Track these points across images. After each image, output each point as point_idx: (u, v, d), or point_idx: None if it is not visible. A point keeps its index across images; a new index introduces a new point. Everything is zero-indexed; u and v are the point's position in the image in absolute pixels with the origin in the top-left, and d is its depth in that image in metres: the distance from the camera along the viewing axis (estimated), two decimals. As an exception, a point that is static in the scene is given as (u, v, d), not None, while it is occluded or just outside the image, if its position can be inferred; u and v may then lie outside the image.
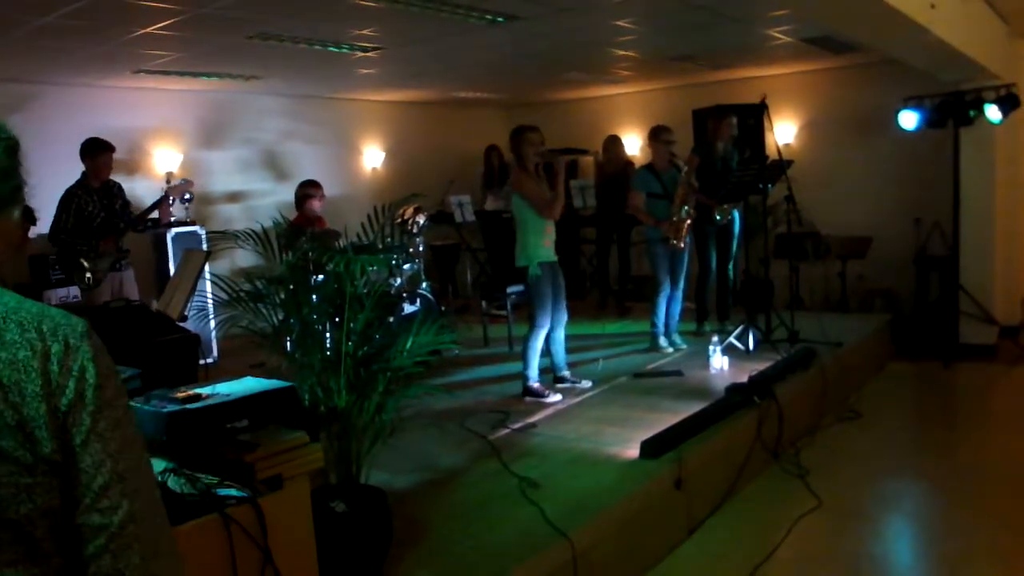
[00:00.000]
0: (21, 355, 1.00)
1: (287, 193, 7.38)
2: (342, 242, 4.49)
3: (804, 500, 4.49)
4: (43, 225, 5.95)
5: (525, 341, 5.62)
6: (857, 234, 9.02)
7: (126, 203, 6.34)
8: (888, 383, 7.18)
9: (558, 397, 5.57)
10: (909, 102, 7.61)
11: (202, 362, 4.65)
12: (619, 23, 6.52)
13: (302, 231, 5.03)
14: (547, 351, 5.77)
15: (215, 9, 5.24)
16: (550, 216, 5.51)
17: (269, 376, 3.17)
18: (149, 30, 5.72)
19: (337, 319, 3.36)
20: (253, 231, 3.62)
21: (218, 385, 2.84)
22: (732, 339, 6.62)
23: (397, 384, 3.44)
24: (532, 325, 5.58)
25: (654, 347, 6.88)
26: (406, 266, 6.90)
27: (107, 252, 6.08)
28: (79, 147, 6.06)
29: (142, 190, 7.83)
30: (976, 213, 7.80)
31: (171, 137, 8.46)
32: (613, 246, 9.08)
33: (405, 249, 6.91)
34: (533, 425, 5.04)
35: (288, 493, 2.56)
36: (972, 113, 7.35)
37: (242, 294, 3.50)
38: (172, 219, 7.29)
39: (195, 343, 4.47)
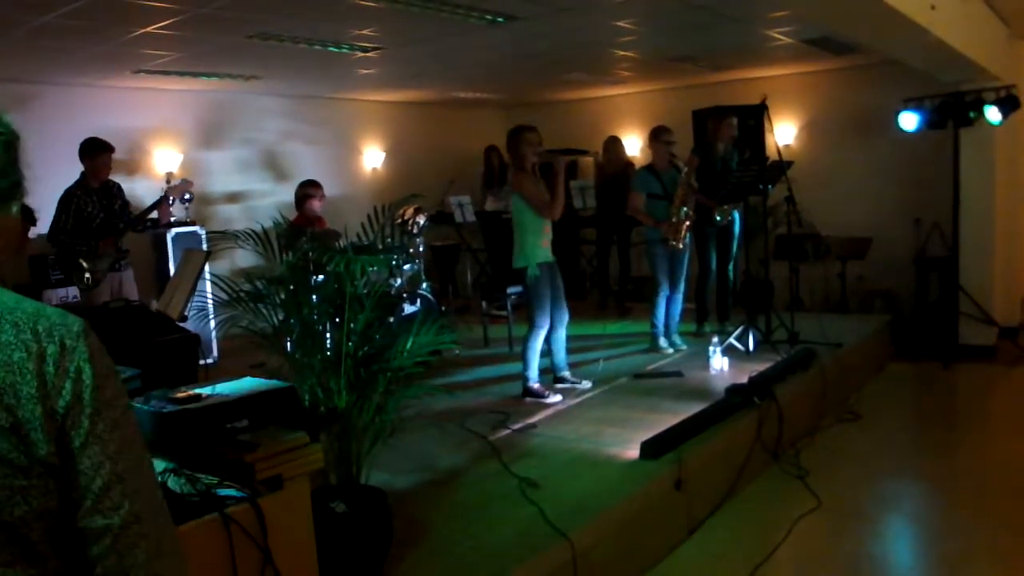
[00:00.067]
0: (16, 356, 0.99)
1: (287, 193, 7.38)
2: (342, 242, 4.49)
3: (804, 501, 4.49)
4: (42, 225, 5.94)
5: (524, 342, 5.62)
6: (857, 235, 9.03)
7: (125, 203, 6.33)
8: (888, 384, 7.18)
9: (558, 398, 5.57)
10: (909, 103, 7.61)
11: (202, 362, 4.64)
12: (619, 23, 6.52)
13: (302, 231, 5.03)
14: (548, 351, 5.77)
15: (215, 9, 5.24)
16: (550, 216, 5.51)
17: (269, 376, 3.17)
18: (149, 30, 5.72)
19: (337, 319, 3.36)
20: (253, 231, 3.62)
21: (218, 385, 2.84)
22: (732, 340, 6.62)
23: (397, 384, 3.44)
24: (531, 326, 5.58)
25: (654, 348, 6.88)
26: (406, 266, 6.90)
27: (106, 252, 6.08)
28: (78, 147, 6.06)
29: (142, 190, 7.83)
30: (976, 214, 7.80)
31: (171, 137, 8.46)
32: (613, 247, 9.08)
33: (405, 249, 6.91)
34: (533, 426, 5.04)
35: (288, 493, 2.56)
36: (972, 114, 7.36)
37: (242, 294, 3.50)
38: (172, 219, 7.30)
39: (195, 343, 4.47)
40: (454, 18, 5.86)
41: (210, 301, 3.87)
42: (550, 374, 5.83)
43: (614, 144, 9.29)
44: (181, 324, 4.76)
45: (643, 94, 10.82)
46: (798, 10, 5.79)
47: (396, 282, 6.56)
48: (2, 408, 0.97)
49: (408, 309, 6.60)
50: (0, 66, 6.61)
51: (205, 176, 8.57)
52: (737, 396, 5.19)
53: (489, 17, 5.95)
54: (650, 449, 4.30)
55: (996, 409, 6.73)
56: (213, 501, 2.36)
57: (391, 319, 3.77)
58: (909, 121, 7.59)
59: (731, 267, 7.45)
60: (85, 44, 6.07)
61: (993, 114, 7.22)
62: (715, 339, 6.40)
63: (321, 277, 3.50)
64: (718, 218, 7.07)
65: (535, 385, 5.60)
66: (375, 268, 3.50)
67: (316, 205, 6.62)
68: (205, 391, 2.77)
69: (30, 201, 1.16)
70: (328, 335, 3.43)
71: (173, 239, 7.54)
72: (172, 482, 2.43)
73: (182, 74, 7.53)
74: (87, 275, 5.99)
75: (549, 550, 3.32)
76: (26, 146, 1.10)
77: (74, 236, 5.96)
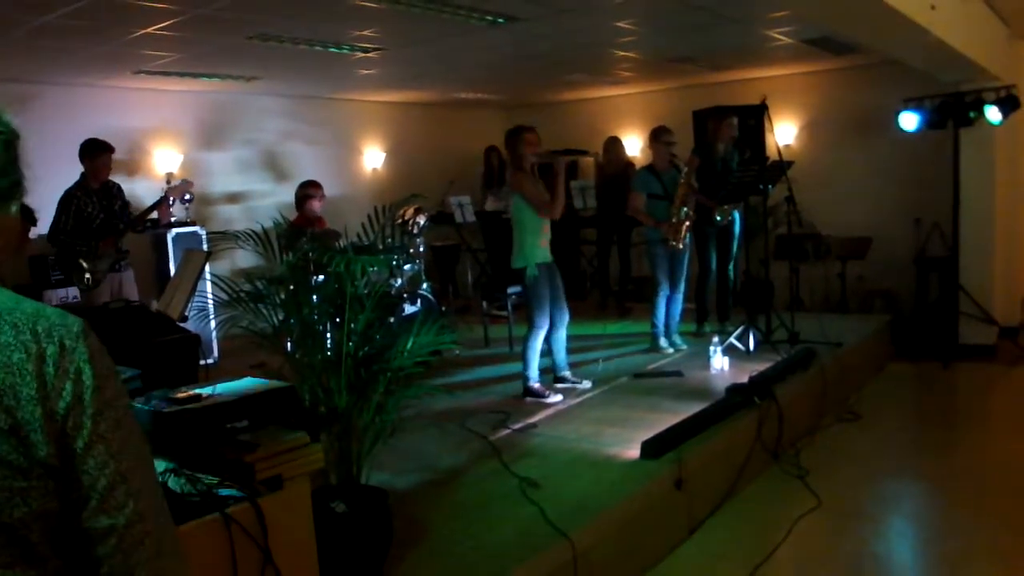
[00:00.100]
0: (16, 358, 0.99)
1: (287, 194, 7.39)
2: (342, 242, 4.49)
3: (804, 500, 4.49)
4: (42, 226, 5.94)
5: (524, 342, 5.62)
6: (857, 235, 9.03)
7: (125, 204, 6.33)
8: (888, 384, 7.18)
9: (559, 397, 5.57)
10: (909, 103, 7.62)
11: (202, 362, 4.64)
12: (620, 24, 6.52)
13: (302, 232, 5.04)
14: (548, 351, 5.77)
15: (215, 10, 5.25)
16: (551, 216, 5.51)
17: (270, 376, 3.17)
18: (149, 31, 5.73)
19: (337, 319, 3.36)
20: (253, 231, 3.62)
21: (218, 385, 2.84)
22: (732, 340, 6.62)
23: (397, 384, 3.44)
24: (531, 326, 5.58)
25: (654, 348, 6.88)
26: (407, 267, 6.90)
27: (106, 253, 6.08)
28: (78, 148, 6.06)
29: (142, 191, 7.83)
30: (976, 214, 7.80)
31: (171, 138, 8.47)
32: (614, 247, 9.08)
33: (405, 250, 6.91)
34: (533, 425, 5.04)
35: (288, 493, 2.56)
36: (972, 114, 7.36)
37: (242, 294, 3.50)
38: (172, 219, 7.30)
39: (195, 343, 4.47)
40: (455, 19, 5.87)
41: (210, 301, 3.88)
42: (550, 374, 5.83)
43: (614, 144, 9.29)
44: (181, 324, 4.76)
45: (643, 94, 10.82)
46: (798, 10, 5.79)
47: (396, 282, 6.57)
48: (1, 410, 0.96)
49: (408, 309, 6.60)
50: (0, 66, 6.62)
51: (205, 176, 8.57)
52: (737, 396, 5.19)
53: (489, 18, 5.95)
54: (650, 449, 4.30)
55: (996, 409, 6.73)
56: (213, 501, 2.36)
57: (391, 319, 3.77)
58: (909, 121, 7.60)
59: (731, 267, 7.45)
60: (86, 44, 6.07)
61: (993, 114, 7.22)
62: (715, 339, 6.40)
63: (321, 277, 3.51)
64: (718, 218, 7.08)
65: (535, 385, 5.60)
66: (375, 268, 3.51)
67: (316, 205, 6.63)
68: (205, 391, 2.77)
69: (30, 201, 1.16)
70: (328, 335, 3.43)
71: (173, 239, 7.54)
72: (172, 482, 2.43)
73: (182, 75, 7.53)
74: (87, 275, 5.99)
75: (549, 550, 3.32)
76: (26, 146, 1.10)
77: (74, 236, 5.96)
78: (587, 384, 5.81)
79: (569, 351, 5.94)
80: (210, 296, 3.82)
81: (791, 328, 6.77)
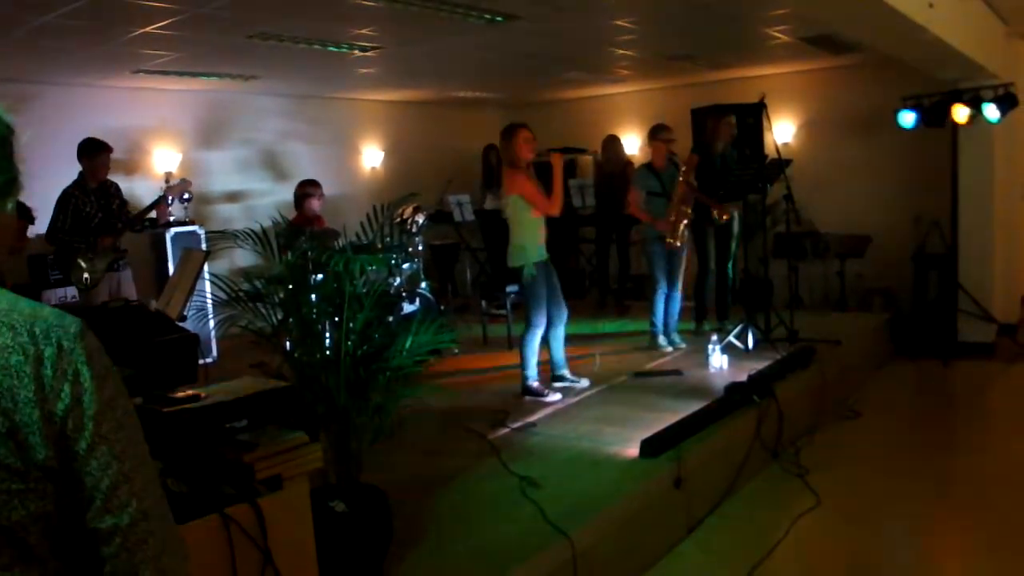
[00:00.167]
0: (13, 360, 0.98)
1: (286, 193, 7.38)
2: (341, 241, 4.50)
3: (803, 499, 4.50)
4: (41, 225, 5.94)
5: (522, 340, 5.62)
6: (856, 233, 9.03)
7: (123, 203, 6.32)
8: (887, 382, 7.18)
9: (557, 396, 5.57)
10: (907, 101, 7.62)
11: (201, 362, 4.64)
12: (618, 22, 6.52)
13: (302, 231, 5.04)
14: (547, 349, 5.76)
15: (214, 9, 5.24)
16: (551, 212, 5.49)
17: (269, 376, 3.17)
18: (148, 30, 5.72)
19: (336, 319, 3.36)
20: (252, 231, 3.62)
21: (217, 385, 2.84)
22: (731, 338, 6.62)
23: (396, 383, 3.44)
24: (528, 324, 5.57)
25: (653, 346, 6.88)
26: (405, 265, 6.89)
27: (104, 252, 6.07)
28: (76, 147, 6.06)
29: (141, 190, 7.83)
30: (975, 212, 7.80)
31: (170, 137, 8.46)
32: (612, 245, 9.08)
33: (404, 248, 6.91)
34: (533, 424, 5.04)
35: (288, 493, 2.56)
36: (971, 113, 7.35)
37: (241, 294, 3.50)
38: (171, 219, 7.29)
39: (194, 343, 4.46)
40: (453, 17, 5.86)
41: (209, 301, 3.87)
42: (548, 373, 5.83)
43: (613, 143, 9.29)
44: (180, 324, 4.76)
45: (642, 93, 10.82)
46: (797, 8, 5.80)
47: (395, 281, 6.56)
48: None
49: (407, 308, 6.60)
50: (0, 66, 6.61)
51: (204, 176, 8.56)
52: (736, 394, 5.19)
53: (488, 16, 5.95)
54: (650, 448, 4.30)
55: (995, 406, 6.73)
56: (213, 501, 2.36)
57: (390, 318, 3.77)
58: (907, 119, 7.60)
59: (730, 265, 7.45)
60: (85, 44, 6.07)
61: (991, 112, 7.22)
62: (714, 337, 6.40)
63: (320, 276, 3.50)
64: (723, 217, 7.07)
65: (534, 384, 5.60)
66: (374, 267, 3.50)
67: (315, 204, 6.62)
68: (204, 391, 2.77)
69: (29, 200, 1.16)
70: (327, 334, 3.43)
71: (172, 239, 7.52)
72: (171, 482, 2.43)
73: (181, 74, 7.52)
74: (85, 275, 5.99)
75: (549, 549, 3.32)
76: (26, 146, 1.09)
77: (72, 236, 5.96)
78: (585, 383, 5.81)
79: (567, 350, 5.93)
80: (209, 295, 3.82)
81: (790, 326, 6.78)
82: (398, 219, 7.13)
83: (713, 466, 4.50)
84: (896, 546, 4.04)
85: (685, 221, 6.67)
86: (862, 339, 7.27)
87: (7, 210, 1.09)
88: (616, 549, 3.64)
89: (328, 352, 3.36)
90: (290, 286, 3.45)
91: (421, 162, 10.47)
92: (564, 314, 5.73)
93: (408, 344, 3.46)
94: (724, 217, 7.08)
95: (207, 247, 6.39)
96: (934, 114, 7.50)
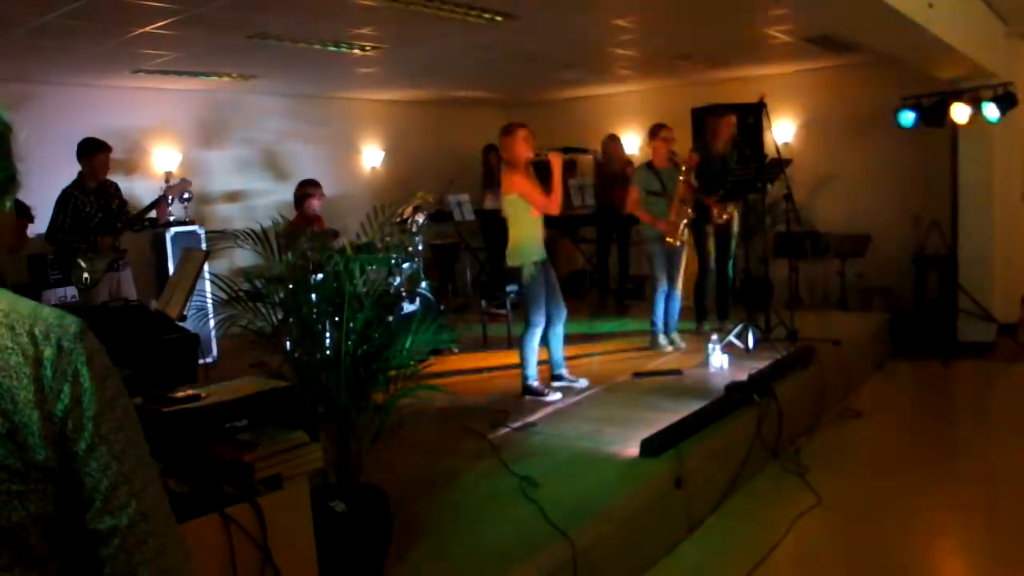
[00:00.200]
0: (13, 360, 0.97)
1: (286, 193, 7.38)
2: (341, 241, 4.49)
3: (804, 498, 4.50)
4: (41, 225, 5.94)
5: (521, 340, 5.62)
6: (856, 232, 9.03)
7: (123, 203, 6.32)
8: (887, 381, 7.19)
9: (558, 396, 5.56)
10: (907, 101, 7.62)
11: (201, 362, 4.64)
12: (618, 22, 6.52)
13: (303, 231, 5.03)
14: (546, 348, 5.75)
15: (214, 8, 5.24)
16: (551, 211, 5.48)
17: (269, 376, 3.17)
18: (148, 30, 5.72)
19: (336, 318, 3.36)
20: (252, 231, 3.62)
21: (217, 385, 2.84)
22: (731, 338, 6.62)
23: (396, 383, 3.44)
24: (527, 324, 5.57)
25: (653, 346, 6.88)
26: (405, 265, 6.89)
27: (104, 251, 6.07)
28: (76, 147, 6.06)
29: (141, 190, 7.82)
30: (974, 211, 7.80)
31: (170, 137, 8.46)
32: (612, 245, 9.08)
33: (404, 248, 6.91)
34: (533, 424, 5.04)
35: (287, 493, 2.56)
36: (971, 112, 7.35)
37: (241, 293, 3.50)
38: (171, 219, 7.29)
39: (194, 343, 4.46)
40: (453, 17, 5.86)
41: (209, 300, 3.87)
42: (548, 371, 5.83)
43: (613, 142, 9.28)
44: (180, 324, 4.76)
45: (642, 92, 10.81)
46: (797, 8, 5.80)
47: (395, 281, 6.56)
48: None
49: (407, 308, 6.60)
50: (0, 66, 6.61)
51: (204, 175, 8.56)
52: (737, 394, 5.19)
53: (488, 16, 5.95)
54: (650, 447, 4.30)
55: (995, 406, 6.73)
56: (212, 501, 2.36)
57: (390, 318, 3.77)
58: (907, 119, 7.60)
59: (730, 265, 7.45)
60: (85, 44, 6.06)
61: (991, 112, 7.22)
62: (714, 337, 6.40)
63: (320, 276, 3.50)
64: (719, 217, 7.07)
65: (534, 383, 5.60)
66: (374, 267, 3.50)
67: (315, 204, 6.63)
68: (204, 391, 2.77)
69: (29, 199, 1.16)
70: (327, 334, 3.43)
71: (172, 238, 7.53)
72: (171, 482, 2.43)
73: (181, 73, 7.52)
74: (85, 275, 5.99)
75: (549, 549, 3.32)
76: (26, 146, 1.09)
77: (72, 236, 5.95)
78: (583, 383, 5.81)
79: (567, 349, 5.93)
80: (209, 295, 3.82)
81: (790, 326, 6.78)
82: (398, 219, 7.13)
83: (713, 466, 4.50)
84: (896, 545, 4.04)
85: (685, 221, 6.67)
86: (862, 339, 7.27)
87: (6, 209, 1.08)
88: (616, 549, 3.64)
89: (328, 352, 3.36)
90: (290, 286, 3.45)
91: (421, 162, 10.47)
92: (563, 312, 5.73)
93: (408, 344, 3.46)
94: (724, 217, 7.08)
95: (207, 247, 6.39)
96: (934, 114, 7.50)
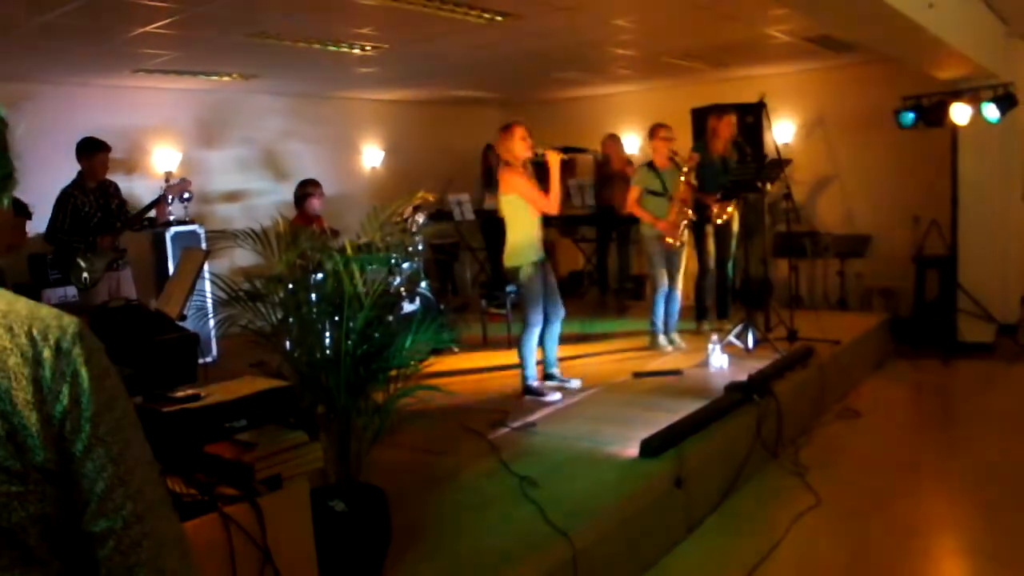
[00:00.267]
0: (11, 362, 0.97)
1: (286, 192, 7.38)
2: (341, 240, 4.49)
3: (803, 498, 4.50)
4: (40, 224, 5.94)
5: (519, 341, 5.62)
6: (856, 232, 9.04)
7: (122, 202, 6.32)
8: (887, 381, 7.19)
9: (557, 396, 5.56)
10: (907, 101, 7.62)
11: (201, 361, 4.64)
12: (618, 22, 6.52)
13: (304, 231, 5.03)
14: (541, 346, 5.75)
15: (214, 8, 5.24)
16: (549, 210, 5.47)
17: (269, 376, 3.17)
18: (148, 29, 5.72)
19: (336, 318, 3.36)
20: (252, 230, 3.61)
21: (217, 385, 2.84)
22: (731, 338, 6.62)
23: (396, 383, 3.44)
24: (525, 324, 5.57)
25: (653, 346, 6.88)
26: (405, 265, 6.89)
27: (104, 250, 6.06)
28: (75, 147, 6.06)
29: (141, 189, 7.83)
30: (974, 212, 7.80)
31: (170, 136, 8.46)
32: (612, 245, 9.08)
33: (404, 248, 6.90)
34: (532, 424, 5.04)
35: (287, 493, 2.56)
36: (971, 113, 7.35)
37: (241, 293, 3.49)
38: (170, 218, 7.29)
39: (194, 342, 4.46)
40: (453, 16, 5.86)
41: (209, 300, 3.87)
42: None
43: (612, 142, 9.29)
44: (180, 323, 4.76)
45: (642, 92, 10.81)
46: (797, 8, 5.79)
47: (395, 280, 6.56)
48: None
49: (407, 308, 6.60)
50: (0, 66, 6.61)
51: (204, 175, 8.56)
52: (736, 394, 5.19)
53: (488, 16, 5.95)
54: (650, 447, 4.30)
55: (995, 406, 6.72)
56: (212, 500, 2.36)
57: (390, 318, 3.77)
58: (908, 119, 7.60)
59: (730, 265, 7.45)
60: (85, 44, 6.06)
61: (991, 112, 7.22)
62: (714, 337, 6.41)
63: (320, 276, 3.50)
64: (719, 216, 7.07)
65: (534, 383, 5.59)
66: (374, 267, 3.50)
67: (315, 204, 6.63)
68: (204, 391, 2.77)
69: (28, 199, 1.15)
70: (327, 334, 3.43)
71: (172, 238, 7.53)
72: (171, 482, 2.43)
73: (181, 73, 7.52)
74: (85, 275, 5.99)
75: (549, 549, 3.32)
76: (25, 146, 1.09)
77: (71, 235, 5.95)
78: (576, 383, 5.79)
79: (563, 350, 5.92)
80: (209, 295, 3.81)
81: (790, 326, 6.78)
82: (398, 219, 7.12)
83: (713, 465, 4.50)
84: (896, 545, 4.04)
85: (686, 220, 6.67)
86: (862, 339, 7.27)
87: (3, 206, 1.08)
88: (616, 549, 3.64)
89: (328, 352, 3.36)
90: (290, 286, 3.45)
91: (421, 162, 10.47)
92: (561, 312, 5.72)
93: (408, 344, 3.46)
94: (724, 216, 7.09)
95: (207, 246, 6.39)
96: (934, 114, 7.50)
